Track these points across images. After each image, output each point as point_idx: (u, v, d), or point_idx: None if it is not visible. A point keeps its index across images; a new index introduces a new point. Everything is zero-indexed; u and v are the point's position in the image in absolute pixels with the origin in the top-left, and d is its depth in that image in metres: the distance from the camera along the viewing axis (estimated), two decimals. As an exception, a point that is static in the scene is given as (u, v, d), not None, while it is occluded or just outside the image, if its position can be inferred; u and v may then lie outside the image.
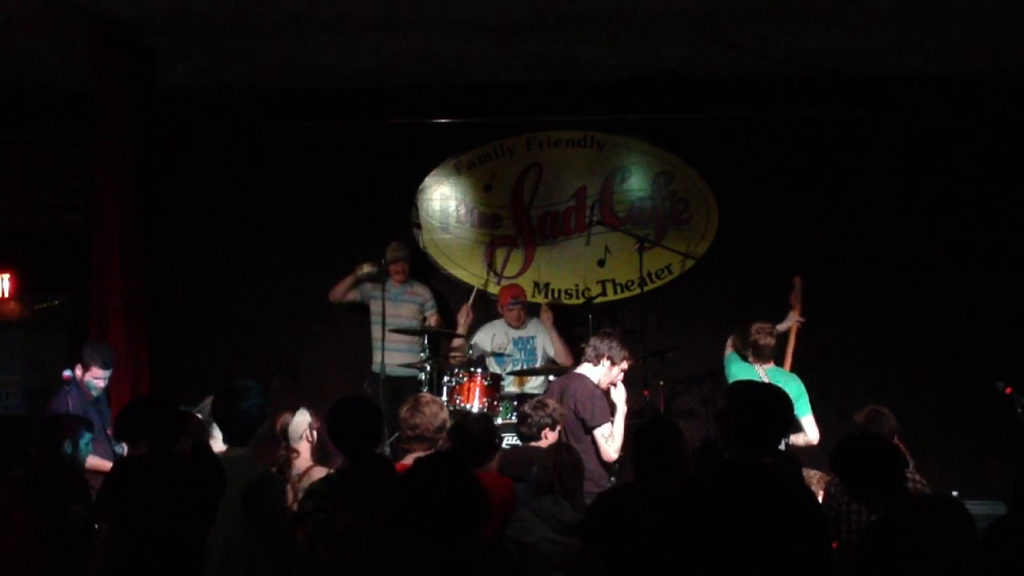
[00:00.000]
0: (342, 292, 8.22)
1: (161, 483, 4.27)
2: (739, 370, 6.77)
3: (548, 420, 5.73)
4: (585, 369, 6.52)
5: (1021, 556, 3.98)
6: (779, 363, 7.00)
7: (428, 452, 5.06)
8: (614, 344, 6.46)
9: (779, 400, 3.84)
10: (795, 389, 6.51)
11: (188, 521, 4.23)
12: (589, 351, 6.55)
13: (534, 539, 4.75)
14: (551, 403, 5.83)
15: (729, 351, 7.01)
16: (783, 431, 3.82)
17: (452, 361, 7.73)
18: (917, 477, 5.26)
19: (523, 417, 5.77)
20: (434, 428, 5.09)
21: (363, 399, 4.92)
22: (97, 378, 6.83)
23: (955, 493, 5.65)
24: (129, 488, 4.30)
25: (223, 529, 4.24)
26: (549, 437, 5.73)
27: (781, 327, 7.15)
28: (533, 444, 5.71)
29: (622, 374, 6.56)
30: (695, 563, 3.57)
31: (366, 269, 7.98)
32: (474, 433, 5.07)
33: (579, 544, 4.47)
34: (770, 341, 6.75)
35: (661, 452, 4.41)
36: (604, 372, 6.45)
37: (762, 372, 6.64)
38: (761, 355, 6.75)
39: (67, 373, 6.97)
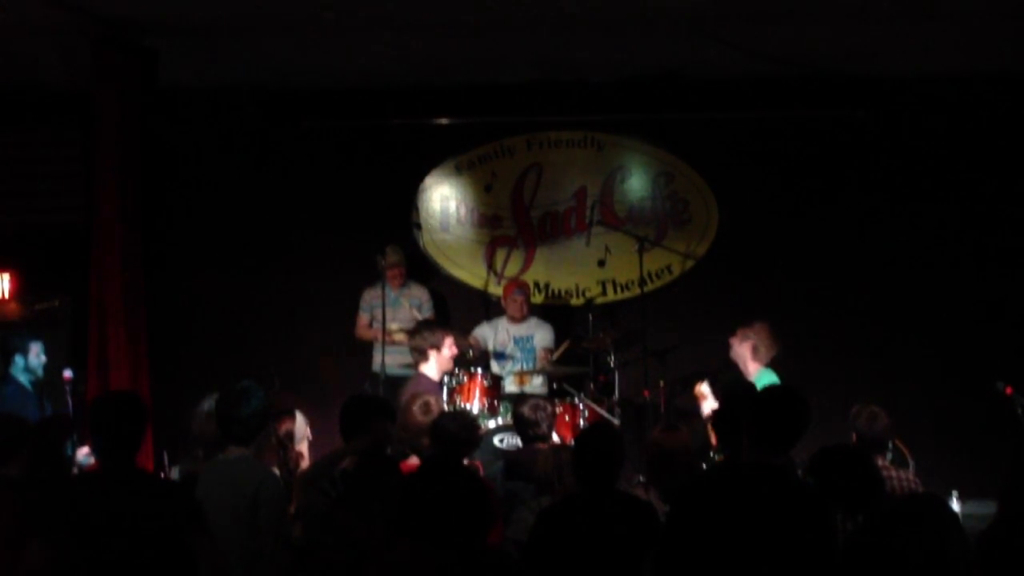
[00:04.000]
0: (364, 329, 8.27)
1: (119, 508, 3.90)
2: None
3: (552, 420, 5.67)
4: (423, 369, 6.90)
5: (1016, 560, 3.98)
6: None
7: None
8: (429, 333, 6.90)
9: (798, 402, 3.85)
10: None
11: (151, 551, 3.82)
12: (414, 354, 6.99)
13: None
14: (547, 404, 5.77)
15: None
16: (799, 433, 3.82)
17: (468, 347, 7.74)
18: (911, 477, 5.25)
19: (532, 422, 5.60)
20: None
21: (376, 397, 4.91)
22: (31, 363, 6.98)
23: (955, 493, 5.64)
24: (78, 512, 3.93)
25: (224, 530, 4.22)
26: (555, 436, 5.71)
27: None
28: (542, 445, 5.56)
29: (450, 352, 6.92)
30: (699, 561, 3.57)
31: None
32: (451, 432, 5.04)
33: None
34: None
35: (606, 460, 4.29)
36: (436, 364, 6.87)
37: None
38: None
39: (67, 373, 6.98)
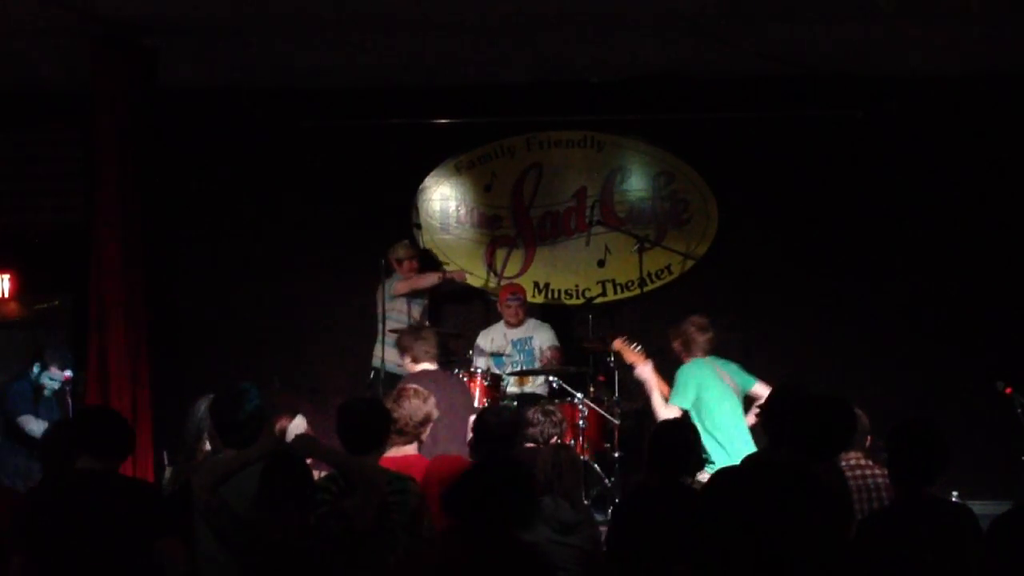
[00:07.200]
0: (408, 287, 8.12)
1: (96, 510, 4.01)
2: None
3: (556, 430, 5.61)
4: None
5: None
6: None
7: (407, 445, 5.07)
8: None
9: (844, 413, 3.87)
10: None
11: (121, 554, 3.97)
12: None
13: (535, 539, 4.74)
14: (557, 411, 5.77)
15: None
16: (842, 442, 3.84)
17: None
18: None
19: (533, 422, 5.62)
20: (416, 422, 5.10)
21: (371, 400, 4.92)
22: (52, 378, 7.13)
23: (955, 493, 5.64)
24: (53, 517, 4.01)
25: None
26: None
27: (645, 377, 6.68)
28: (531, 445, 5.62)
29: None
30: (714, 557, 3.59)
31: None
32: (492, 427, 5.02)
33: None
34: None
35: (681, 450, 4.47)
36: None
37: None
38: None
39: (67, 373, 6.99)
